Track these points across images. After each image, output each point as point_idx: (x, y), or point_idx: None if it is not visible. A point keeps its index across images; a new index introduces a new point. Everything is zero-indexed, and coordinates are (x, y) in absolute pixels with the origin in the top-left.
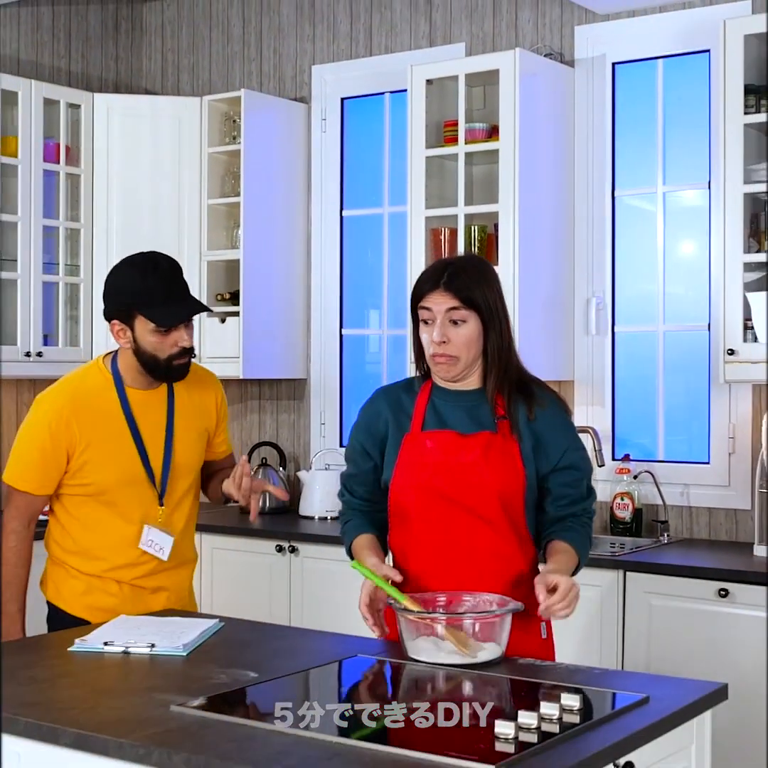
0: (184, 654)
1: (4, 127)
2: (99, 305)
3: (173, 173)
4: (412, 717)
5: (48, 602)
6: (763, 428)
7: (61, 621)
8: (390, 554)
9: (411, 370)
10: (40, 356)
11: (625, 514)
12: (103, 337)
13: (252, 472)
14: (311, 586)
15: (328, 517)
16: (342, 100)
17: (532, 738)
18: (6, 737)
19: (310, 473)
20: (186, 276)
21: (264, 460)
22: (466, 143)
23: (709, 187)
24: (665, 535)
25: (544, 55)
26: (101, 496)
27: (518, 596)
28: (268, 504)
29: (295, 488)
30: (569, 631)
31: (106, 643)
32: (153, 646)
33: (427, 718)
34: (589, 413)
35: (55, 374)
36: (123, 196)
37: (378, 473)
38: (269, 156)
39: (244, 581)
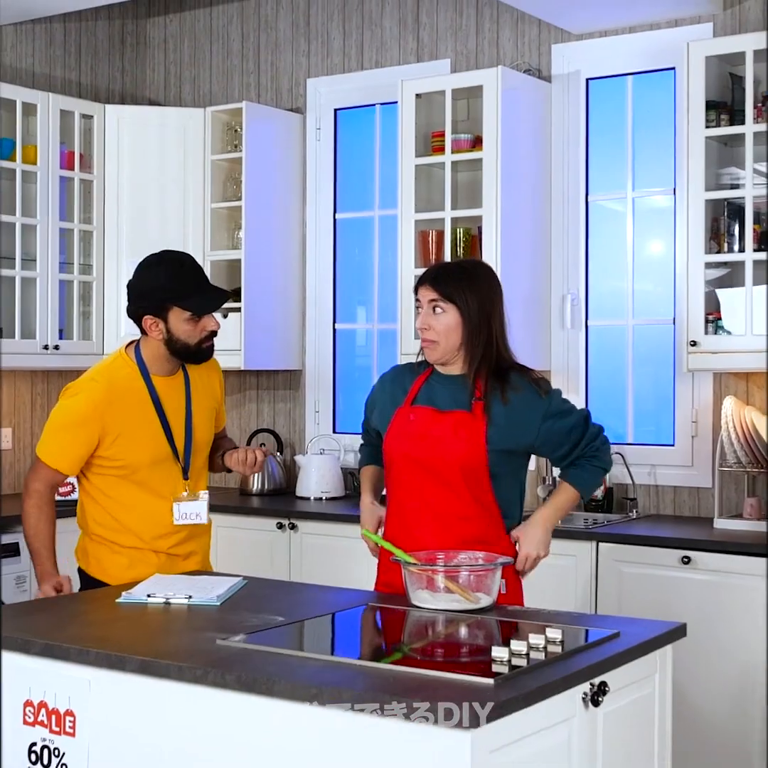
0: (218, 603)
1: (24, 137)
2: (110, 301)
3: (179, 179)
4: (420, 647)
5: (92, 578)
6: (722, 413)
7: None
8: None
9: (400, 361)
10: (57, 349)
11: (597, 493)
12: (113, 330)
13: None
14: (309, 560)
15: (323, 498)
16: (335, 111)
17: (522, 662)
18: (75, 667)
19: (306, 457)
20: None
21: (262, 446)
22: (452, 152)
23: (675, 193)
24: (634, 511)
25: (524, 72)
26: (134, 476)
27: None
28: (267, 486)
29: (291, 471)
30: (546, 597)
31: (148, 595)
32: (190, 597)
33: (433, 648)
34: None
35: (70, 366)
36: (132, 200)
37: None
38: (268, 163)
39: (249, 556)
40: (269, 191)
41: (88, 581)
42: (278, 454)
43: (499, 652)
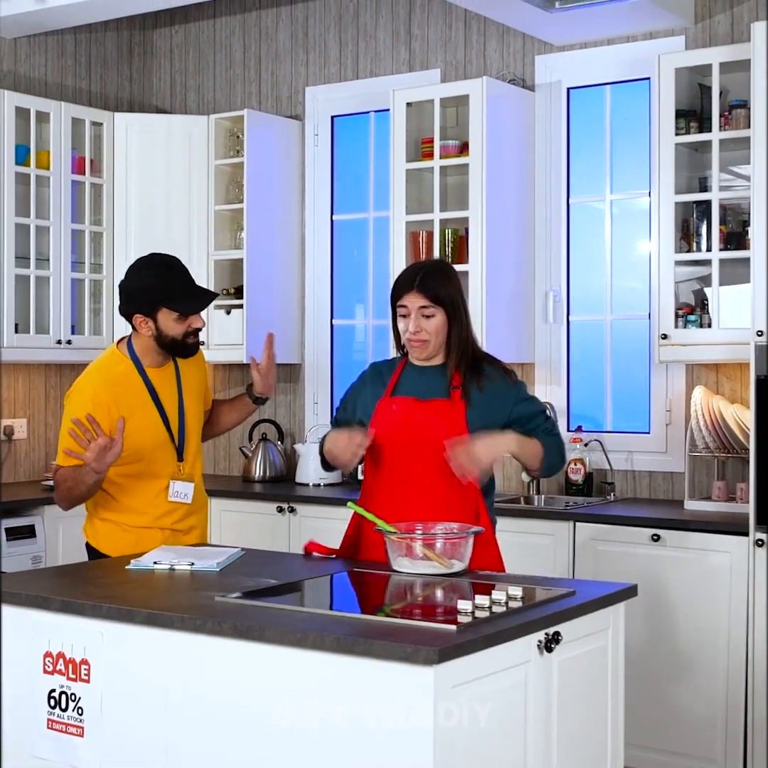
0: (218, 569)
1: (38, 143)
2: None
3: (184, 182)
4: (398, 603)
5: (102, 554)
6: (692, 402)
7: None
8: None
9: (392, 355)
10: (69, 344)
11: (577, 478)
12: (122, 326)
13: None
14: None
15: (321, 484)
16: (332, 118)
17: (485, 614)
18: (89, 621)
19: (305, 446)
20: (195, 273)
21: (264, 435)
22: (440, 158)
23: (650, 195)
24: (612, 494)
25: (509, 81)
26: (137, 462)
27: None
28: (268, 473)
29: (292, 459)
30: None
31: (155, 562)
32: (192, 564)
33: (409, 605)
34: (547, 391)
35: (81, 360)
36: (140, 203)
37: (352, 420)
38: (268, 167)
39: (250, 538)
40: (270, 194)
41: (97, 556)
42: (279, 443)
43: (463, 605)
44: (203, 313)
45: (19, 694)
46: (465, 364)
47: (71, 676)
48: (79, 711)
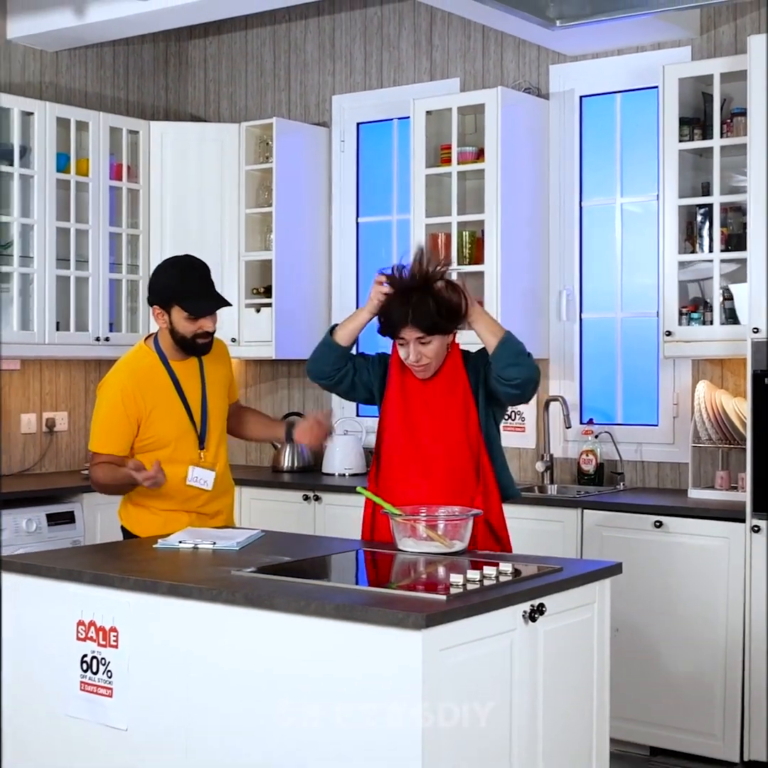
0: (237, 548)
1: (78, 151)
2: None
3: (216, 187)
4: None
5: (133, 535)
6: (695, 396)
7: None
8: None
9: None
10: (107, 340)
11: (589, 468)
12: (155, 324)
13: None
14: (331, 527)
15: (346, 474)
16: (357, 125)
17: (476, 586)
18: (118, 592)
19: (331, 438)
20: (226, 273)
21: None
22: (458, 163)
23: (658, 198)
24: (622, 484)
25: (524, 90)
26: (163, 448)
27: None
28: (297, 463)
29: (319, 450)
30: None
31: (180, 542)
32: (214, 543)
33: (410, 579)
34: (560, 385)
35: (119, 356)
36: (174, 207)
37: (356, 375)
38: (296, 172)
39: (277, 525)
40: (297, 197)
41: (129, 538)
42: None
43: (455, 578)
44: (235, 316)
45: (55, 660)
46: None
47: (101, 642)
48: (109, 674)
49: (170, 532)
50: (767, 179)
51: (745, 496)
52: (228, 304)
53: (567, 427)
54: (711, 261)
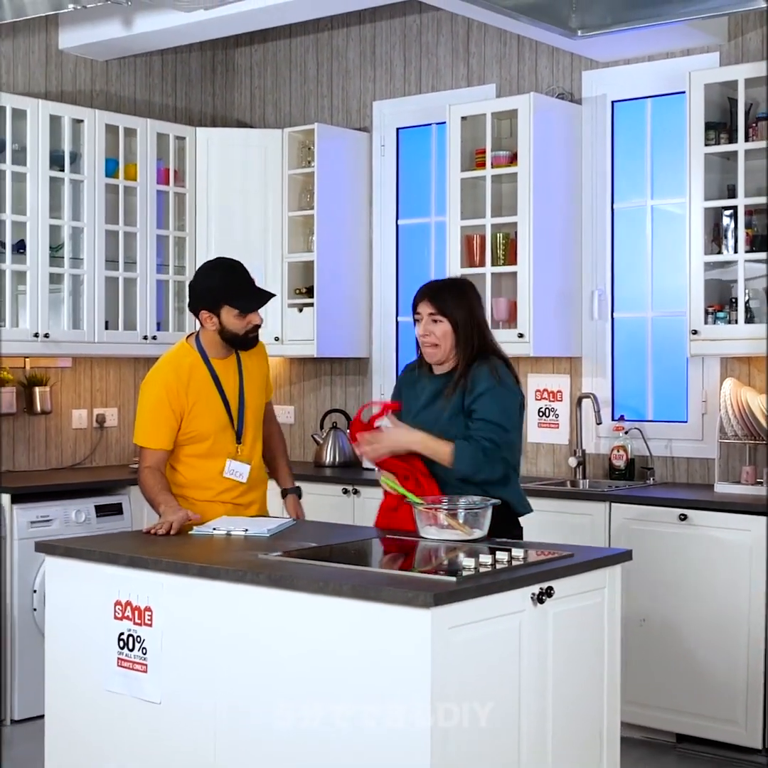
0: (268, 535)
1: (126, 156)
2: None
3: (260, 191)
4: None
5: None
6: (721, 393)
7: None
8: None
9: None
10: (155, 339)
11: (620, 463)
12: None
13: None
14: (369, 520)
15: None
16: (397, 130)
17: (487, 569)
18: (152, 574)
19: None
20: (270, 274)
21: (334, 424)
22: (492, 167)
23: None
24: (652, 479)
25: (557, 95)
26: (202, 442)
27: None
28: (338, 459)
29: None
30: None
31: (214, 529)
32: (246, 530)
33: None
34: (592, 383)
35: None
36: (220, 210)
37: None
38: (338, 176)
39: (317, 517)
40: (339, 201)
41: None
42: (347, 431)
43: (467, 562)
44: (278, 316)
45: (94, 638)
46: (465, 367)
47: (137, 621)
48: (144, 651)
49: (206, 521)
50: None
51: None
52: (273, 295)
53: (598, 424)
54: (736, 261)
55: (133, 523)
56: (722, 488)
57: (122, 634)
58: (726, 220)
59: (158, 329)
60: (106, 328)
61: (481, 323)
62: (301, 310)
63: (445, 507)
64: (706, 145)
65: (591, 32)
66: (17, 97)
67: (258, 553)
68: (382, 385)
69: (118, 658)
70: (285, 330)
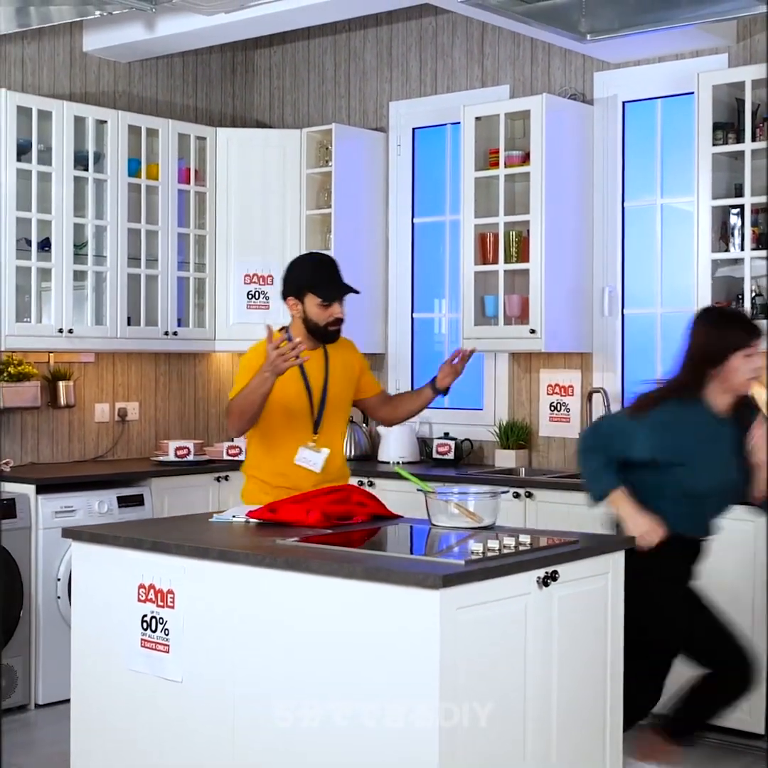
0: None
1: (148, 156)
2: (220, 295)
3: (278, 190)
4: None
5: None
6: None
7: None
8: None
9: (462, 346)
10: (175, 335)
11: None
12: (223, 319)
13: None
14: None
15: (400, 461)
16: (413, 130)
17: (494, 554)
18: (174, 558)
19: (386, 429)
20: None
21: (351, 418)
22: (505, 167)
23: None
24: None
25: (569, 96)
26: (282, 416)
27: None
28: (355, 452)
29: (375, 440)
30: None
31: (233, 516)
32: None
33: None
34: (603, 378)
35: (187, 349)
36: (239, 209)
37: None
38: (355, 175)
39: None
40: (356, 199)
41: None
42: (364, 425)
43: (475, 546)
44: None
45: (118, 620)
46: None
47: (160, 603)
48: (166, 632)
49: None
50: None
51: None
52: (356, 291)
53: None
54: (743, 259)
55: (154, 513)
56: None
57: (145, 616)
58: (733, 219)
59: (179, 325)
60: (129, 324)
61: None
62: None
63: (456, 495)
64: (713, 144)
65: (600, 36)
66: (42, 98)
67: (276, 539)
68: (398, 380)
69: (142, 639)
70: None
